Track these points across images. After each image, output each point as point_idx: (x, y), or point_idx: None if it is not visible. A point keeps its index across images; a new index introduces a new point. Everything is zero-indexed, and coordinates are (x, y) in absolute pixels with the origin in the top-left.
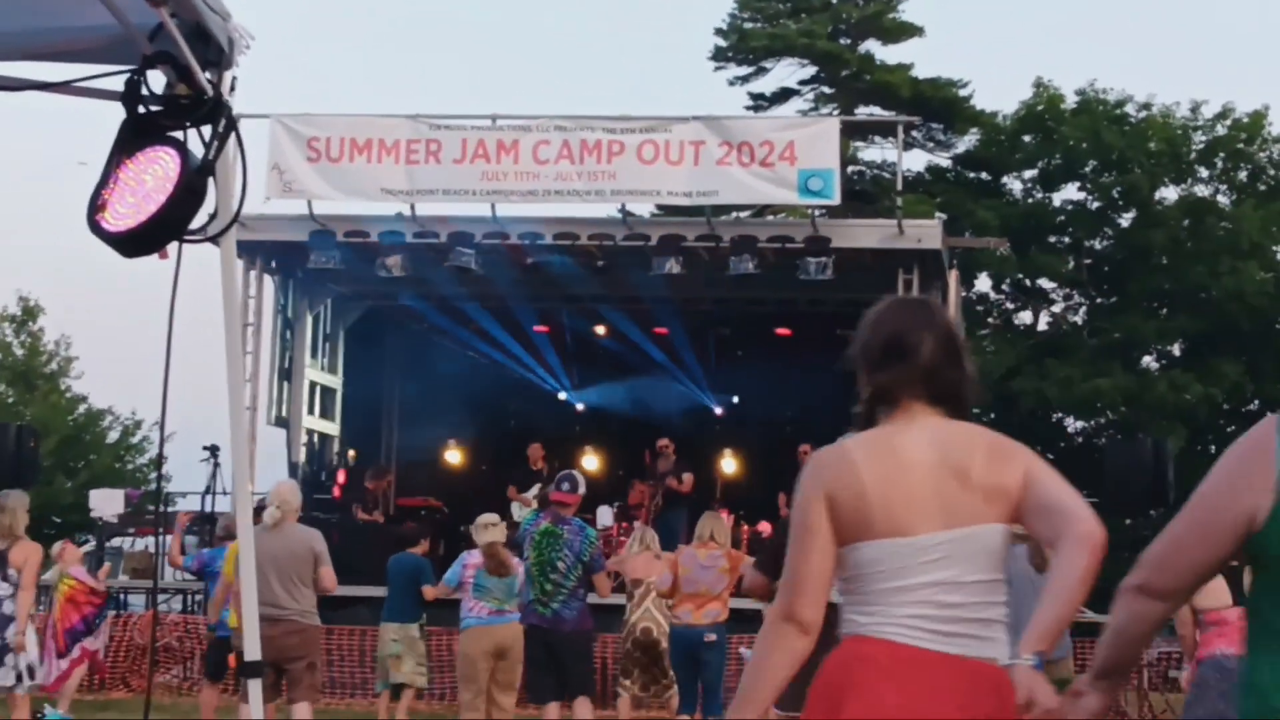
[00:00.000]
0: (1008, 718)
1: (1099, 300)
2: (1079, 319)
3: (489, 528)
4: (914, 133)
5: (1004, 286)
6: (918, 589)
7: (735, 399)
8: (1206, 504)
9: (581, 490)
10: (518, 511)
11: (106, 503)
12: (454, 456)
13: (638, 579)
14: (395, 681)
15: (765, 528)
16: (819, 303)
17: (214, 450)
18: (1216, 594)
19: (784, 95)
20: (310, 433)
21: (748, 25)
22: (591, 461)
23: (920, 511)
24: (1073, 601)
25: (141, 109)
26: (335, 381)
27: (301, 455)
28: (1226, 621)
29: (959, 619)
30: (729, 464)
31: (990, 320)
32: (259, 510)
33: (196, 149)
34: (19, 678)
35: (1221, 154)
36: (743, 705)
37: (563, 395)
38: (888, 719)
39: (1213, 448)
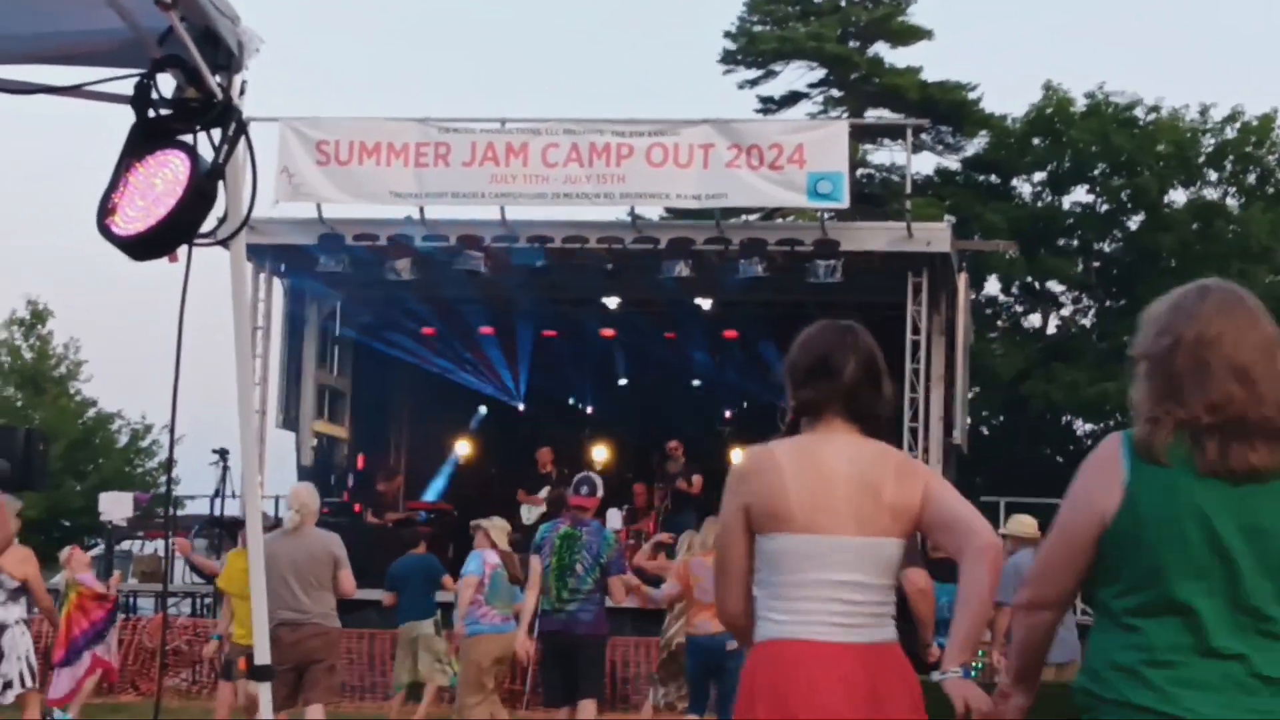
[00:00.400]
0: (909, 686)
1: (1108, 303)
2: (1088, 322)
3: (506, 533)
4: (923, 135)
5: (1013, 289)
6: (827, 585)
7: (744, 402)
8: (1070, 516)
9: (600, 493)
10: (526, 514)
11: (116, 506)
12: (463, 460)
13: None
14: (414, 681)
15: None
16: (828, 306)
17: (223, 453)
18: None
19: (793, 98)
20: (319, 436)
21: (757, 28)
22: (599, 463)
23: (836, 517)
24: (983, 611)
25: (151, 112)
26: (344, 384)
27: (310, 458)
28: None
29: (860, 613)
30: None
31: (999, 323)
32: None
33: (206, 152)
34: (7, 685)
35: (1231, 157)
36: None
37: (570, 398)
38: (810, 716)
39: None
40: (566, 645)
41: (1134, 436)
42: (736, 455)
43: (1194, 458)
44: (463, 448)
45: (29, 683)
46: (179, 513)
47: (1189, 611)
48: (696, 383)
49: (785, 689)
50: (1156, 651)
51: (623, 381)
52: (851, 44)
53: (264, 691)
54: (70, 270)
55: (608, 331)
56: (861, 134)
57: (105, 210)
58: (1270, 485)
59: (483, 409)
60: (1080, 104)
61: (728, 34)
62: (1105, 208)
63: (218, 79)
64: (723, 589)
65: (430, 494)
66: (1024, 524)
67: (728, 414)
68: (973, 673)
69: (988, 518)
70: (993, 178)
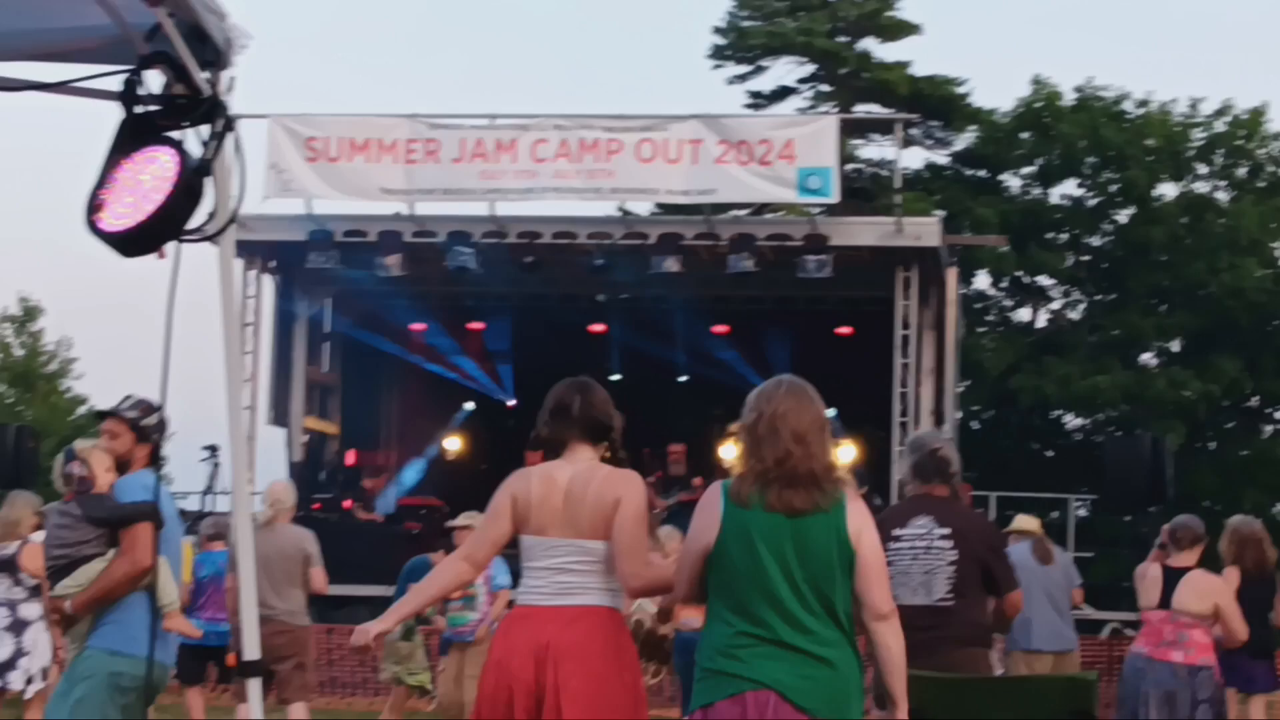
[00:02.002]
0: (597, 638)
1: (1098, 297)
2: (1078, 316)
3: None
4: (912, 130)
5: (1002, 284)
6: (544, 572)
7: (735, 397)
8: (689, 543)
9: None
10: None
11: None
12: (453, 456)
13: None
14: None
15: None
16: (818, 301)
17: (213, 450)
18: (1146, 594)
19: (782, 93)
20: (309, 432)
21: (746, 23)
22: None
23: (553, 522)
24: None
25: (139, 109)
26: (334, 381)
27: (300, 454)
28: (1149, 622)
29: (570, 589)
30: (729, 450)
31: (989, 318)
32: None
33: (194, 149)
34: (29, 680)
35: (1220, 151)
36: (405, 602)
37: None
38: (513, 646)
39: (1211, 444)
40: None
41: (729, 486)
42: (727, 450)
43: (765, 501)
44: (452, 444)
45: (38, 683)
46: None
47: (755, 611)
48: (686, 378)
49: (499, 634)
50: (740, 637)
51: (613, 377)
52: (840, 39)
53: (253, 687)
54: (62, 267)
55: (597, 327)
56: (851, 129)
57: (93, 207)
58: (814, 518)
59: (469, 405)
60: (1069, 98)
61: (717, 29)
62: (1095, 202)
63: (205, 75)
64: (476, 545)
65: (406, 486)
66: (1025, 522)
67: (716, 412)
68: None
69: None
70: (982, 172)
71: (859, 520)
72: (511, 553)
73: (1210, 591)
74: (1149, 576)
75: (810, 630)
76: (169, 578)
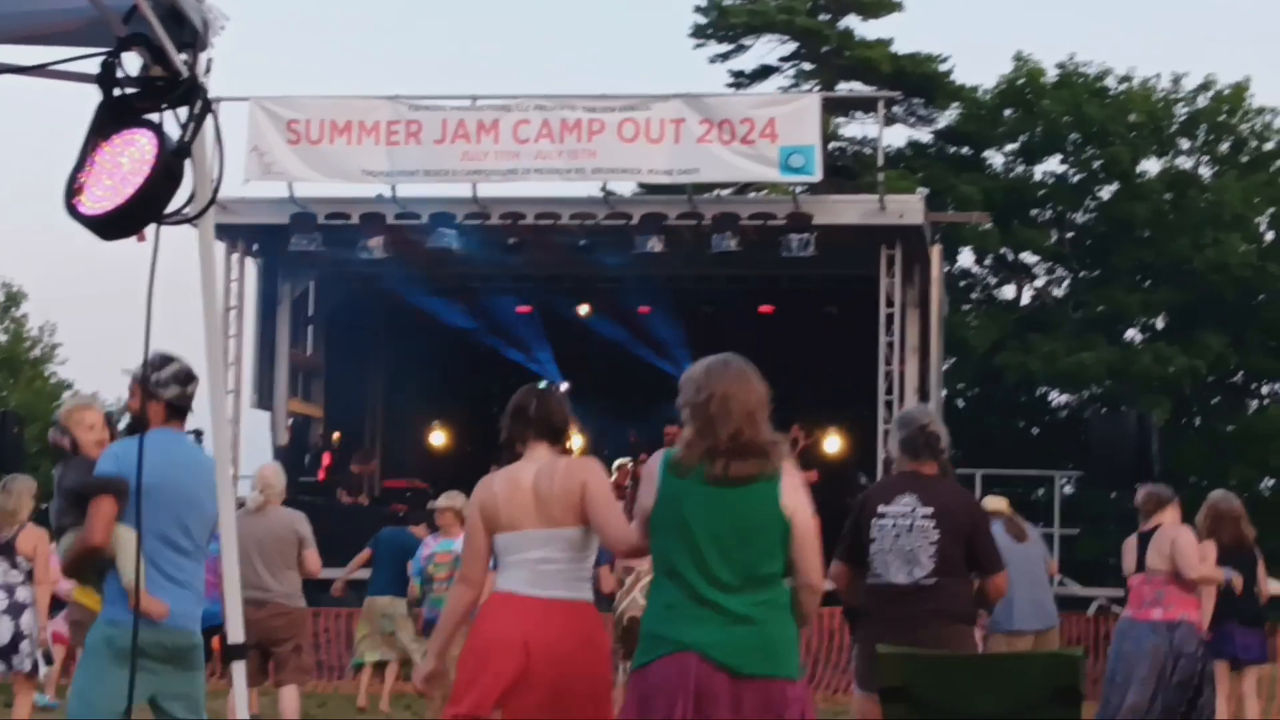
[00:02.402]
0: (574, 632)
1: (1082, 273)
2: (1062, 292)
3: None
4: (895, 108)
5: (986, 261)
6: (524, 563)
7: None
8: (636, 509)
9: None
10: None
11: None
12: (438, 438)
13: (629, 566)
14: (384, 658)
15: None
16: (802, 280)
17: (198, 434)
18: (1125, 562)
19: (764, 72)
20: (294, 415)
21: (727, 2)
22: (576, 443)
23: (526, 516)
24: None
25: (117, 91)
26: (318, 363)
27: (285, 438)
28: (1132, 588)
29: (548, 577)
30: None
31: (973, 295)
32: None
33: (173, 131)
34: (35, 665)
35: (1203, 126)
36: (435, 639)
37: (546, 376)
38: (494, 634)
39: (1197, 420)
40: None
41: (670, 457)
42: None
43: (706, 472)
44: (438, 427)
45: (43, 667)
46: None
47: (685, 575)
48: (670, 358)
49: (480, 618)
50: (673, 600)
51: (597, 357)
52: (822, 17)
53: (238, 670)
54: (45, 252)
55: (582, 307)
56: (833, 107)
57: (72, 190)
58: (754, 487)
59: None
60: (1051, 74)
61: (698, 8)
62: (1078, 178)
63: (183, 57)
64: (467, 564)
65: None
66: (993, 503)
67: None
68: None
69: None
70: (965, 149)
71: (792, 492)
72: None
73: (1166, 543)
74: (1126, 545)
75: (735, 592)
76: (127, 555)
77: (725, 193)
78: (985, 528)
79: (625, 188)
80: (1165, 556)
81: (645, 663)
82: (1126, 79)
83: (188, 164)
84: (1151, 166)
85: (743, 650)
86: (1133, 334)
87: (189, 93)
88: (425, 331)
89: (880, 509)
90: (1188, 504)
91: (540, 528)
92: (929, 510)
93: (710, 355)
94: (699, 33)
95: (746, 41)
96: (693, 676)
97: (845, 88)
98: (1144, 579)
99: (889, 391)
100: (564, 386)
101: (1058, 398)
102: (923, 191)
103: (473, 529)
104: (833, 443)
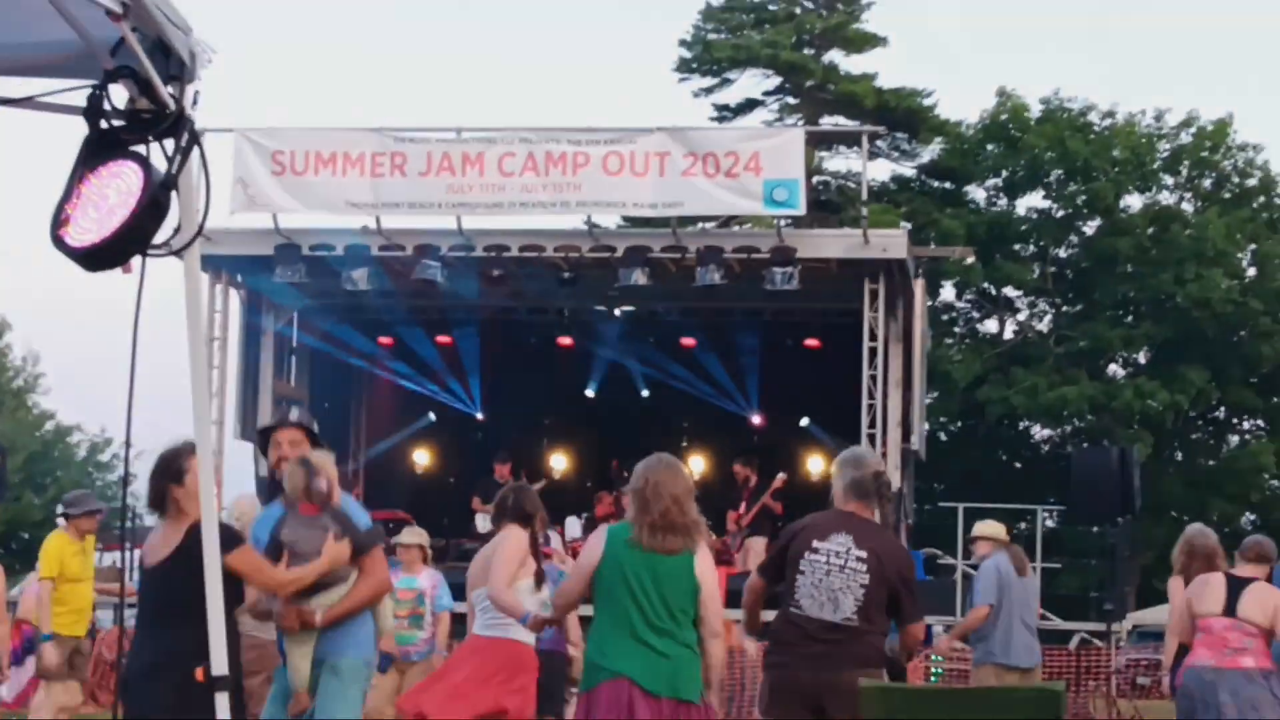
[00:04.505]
0: (515, 668)
1: (1064, 308)
2: (1044, 327)
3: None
4: (878, 142)
5: (969, 295)
6: (484, 611)
7: (701, 410)
8: (578, 565)
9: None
10: (482, 523)
11: None
12: (421, 469)
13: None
14: None
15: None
16: (785, 313)
17: None
18: (1207, 601)
19: (748, 106)
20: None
21: (711, 36)
22: (559, 471)
23: (481, 576)
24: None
25: (104, 123)
26: (302, 394)
27: (268, 469)
28: (1209, 630)
29: (496, 623)
30: (695, 469)
31: (956, 329)
32: None
33: (159, 163)
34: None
35: (1186, 162)
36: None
37: (529, 406)
38: (454, 667)
39: (1178, 455)
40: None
41: (613, 529)
42: (696, 463)
43: (641, 541)
44: (420, 456)
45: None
46: (137, 525)
47: (620, 620)
48: (651, 391)
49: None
50: (612, 639)
51: (582, 389)
52: (806, 51)
53: (220, 701)
54: (29, 283)
55: (565, 340)
56: (817, 141)
57: (58, 221)
58: (677, 558)
59: (431, 415)
60: (1035, 110)
61: (683, 42)
62: (1061, 213)
63: (170, 89)
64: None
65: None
66: (993, 527)
67: (685, 424)
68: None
69: (945, 523)
70: (948, 184)
71: (704, 564)
72: (457, 567)
73: (1274, 604)
74: (1211, 583)
75: (659, 634)
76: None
77: (709, 226)
78: (912, 578)
79: (610, 220)
80: (1266, 612)
81: (589, 688)
82: (1110, 115)
83: (173, 196)
84: (1134, 202)
85: (664, 680)
86: (1115, 369)
87: (175, 125)
88: (407, 363)
89: (815, 544)
90: (1168, 539)
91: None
92: (863, 553)
93: (651, 456)
94: (683, 67)
95: (731, 75)
96: (626, 697)
97: (829, 122)
98: (1231, 625)
99: (871, 425)
100: (546, 422)
101: (1040, 432)
102: (906, 226)
103: (471, 584)
104: (815, 473)
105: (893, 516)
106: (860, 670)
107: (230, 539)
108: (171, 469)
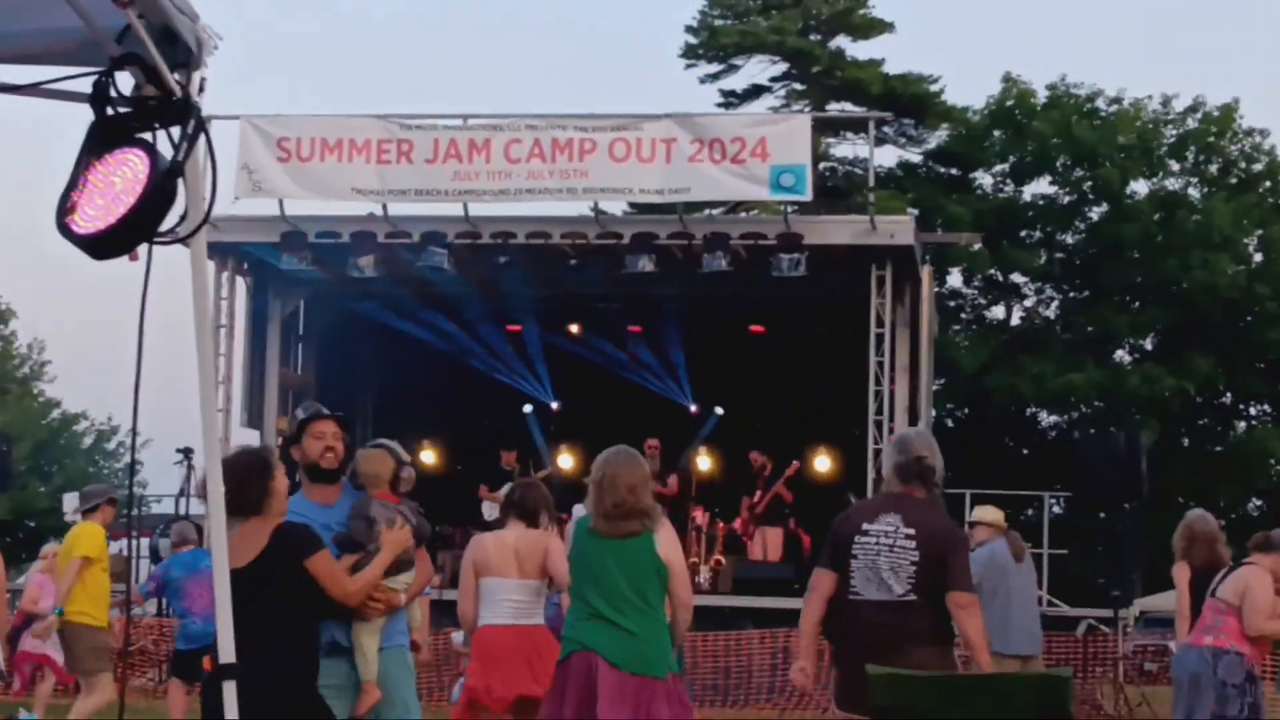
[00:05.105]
0: (540, 653)
1: (1071, 294)
2: (1051, 313)
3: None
4: (885, 128)
5: (976, 282)
6: (504, 600)
7: (708, 396)
8: (565, 551)
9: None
10: (488, 511)
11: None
12: (428, 457)
13: None
14: None
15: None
16: (792, 299)
17: (188, 453)
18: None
19: (755, 92)
20: (283, 434)
21: (718, 22)
22: (567, 461)
23: (508, 568)
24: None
25: (110, 111)
26: (308, 382)
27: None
28: (1203, 611)
29: (520, 611)
30: (704, 461)
31: (963, 315)
32: None
33: (166, 150)
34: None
35: (1193, 147)
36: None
37: (537, 394)
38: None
39: (1185, 441)
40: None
41: (580, 520)
42: (702, 461)
43: (600, 529)
44: (427, 446)
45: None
46: (144, 512)
47: (590, 599)
48: (661, 377)
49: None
50: (580, 615)
51: (587, 376)
52: (813, 37)
53: (228, 690)
54: (34, 270)
55: (573, 327)
56: (824, 127)
57: (64, 209)
58: (637, 540)
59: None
60: (1042, 95)
61: (689, 28)
62: (1068, 199)
63: (176, 76)
64: (462, 601)
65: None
66: (993, 513)
67: (693, 409)
68: None
69: (953, 510)
70: (955, 170)
71: (666, 543)
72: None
73: (1241, 581)
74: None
75: (624, 611)
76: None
77: (716, 212)
78: (964, 551)
79: (616, 207)
80: (1236, 591)
81: (564, 658)
82: (1116, 100)
83: (180, 183)
84: (1141, 188)
85: (629, 654)
86: (1121, 355)
87: (182, 112)
88: (415, 350)
89: (864, 526)
90: (1175, 525)
91: (519, 578)
92: (911, 530)
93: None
94: (690, 53)
95: (737, 62)
96: (592, 666)
97: (836, 108)
98: (1211, 604)
99: (879, 411)
100: (554, 406)
101: (1047, 418)
102: (913, 212)
103: (465, 571)
104: (822, 462)
105: (940, 501)
106: (923, 647)
107: (311, 542)
108: (269, 468)
